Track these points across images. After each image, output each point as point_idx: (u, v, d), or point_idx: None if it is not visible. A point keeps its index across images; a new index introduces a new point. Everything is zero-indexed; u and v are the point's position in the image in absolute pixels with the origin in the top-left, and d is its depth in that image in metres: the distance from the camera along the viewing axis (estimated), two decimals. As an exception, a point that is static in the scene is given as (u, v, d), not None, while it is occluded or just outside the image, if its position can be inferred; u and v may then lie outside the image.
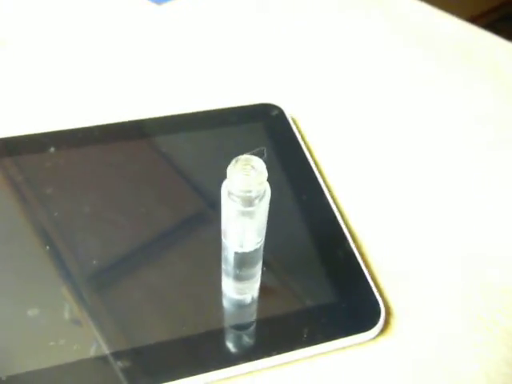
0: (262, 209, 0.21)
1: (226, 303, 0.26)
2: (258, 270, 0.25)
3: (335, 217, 0.30)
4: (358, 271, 0.28)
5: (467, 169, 0.35)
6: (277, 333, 0.25)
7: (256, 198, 0.20)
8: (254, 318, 0.26)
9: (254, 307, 0.26)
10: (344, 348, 0.26)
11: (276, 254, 0.28)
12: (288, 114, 0.36)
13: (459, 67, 0.42)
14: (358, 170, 0.34)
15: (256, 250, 0.23)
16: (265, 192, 0.20)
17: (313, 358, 0.25)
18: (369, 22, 0.47)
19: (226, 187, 0.20)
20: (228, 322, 0.26)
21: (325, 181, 0.32)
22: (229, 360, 0.24)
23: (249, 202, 0.20)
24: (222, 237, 0.23)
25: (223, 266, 0.25)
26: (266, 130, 0.35)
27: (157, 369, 0.24)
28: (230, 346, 0.25)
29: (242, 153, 0.33)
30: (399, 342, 0.26)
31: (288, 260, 0.28)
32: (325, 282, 0.27)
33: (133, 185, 0.31)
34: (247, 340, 0.25)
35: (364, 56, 0.43)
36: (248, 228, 0.21)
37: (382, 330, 0.27)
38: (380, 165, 0.34)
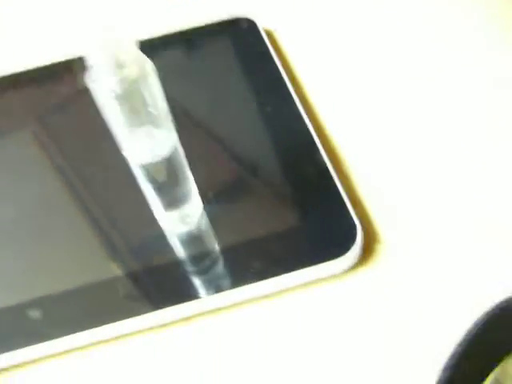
0: (145, 87, 0.16)
1: (167, 238, 0.22)
2: (185, 187, 0.20)
3: (307, 129, 0.24)
4: (330, 187, 0.22)
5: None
6: (229, 265, 0.21)
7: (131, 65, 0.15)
8: (202, 250, 0.21)
9: (203, 238, 0.22)
10: (313, 282, 0.21)
11: (235, 170, 0.23)
12: (261, 27, 0.30)
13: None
14: (338, 84, 0.28)
15: (166, 158, 0.18)
16: (138, 61, 0.15)
17: (274, 295, 0.21)
18: None
19: (92, 75, 0.15)
20: (175, 257, 0.21)
21: (299, 94, 0.27)
22: (178, 299, 0.20)
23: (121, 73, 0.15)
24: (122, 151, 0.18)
25: (146, 195, 0.20)
26: (237, 44, 0.30)
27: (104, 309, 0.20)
28: (181, 283, 0.20)
29: (212, 73, 0.28)
30: (383, 273, 0.21)
31: (248, 176, 0.23)
32: (289, 202, 0.22)
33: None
34: (198, 276, 0.20)
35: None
36: (136, 123, 0.16)
37: (364, 259, 0.21)
38: (362, 75, 0.28)
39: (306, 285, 0.21)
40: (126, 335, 0.20)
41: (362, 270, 0.21)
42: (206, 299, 0.20)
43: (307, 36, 0.31)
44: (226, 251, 0.21)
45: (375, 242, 0.22)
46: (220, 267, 0.21)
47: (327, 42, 0.30)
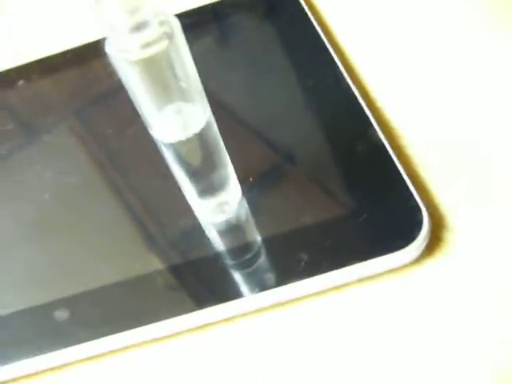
0: (173, 54, 0.13)
1: (204, 230, 0.19)
2: (222, 171, 0.17)
3: (358, 102, 0.21)
4: (388, 167, 0.19)
5: None
6: (275, 261, 0.18)
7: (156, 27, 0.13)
8: (244, 242, 0.19)
9: (243, 228, 0.19)
10: (371, 277, 0.18)
11: (278, 151, 0.20)
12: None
13: None
14: (386, 54, 0.25)
15: (209, 128, 0.15)
16: (166, 24, 0.13)
17: (326, 291, 0.18)
18: None
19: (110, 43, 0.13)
20: (214, 251, 0.19)
21: (345, 65, 0.24)
22: (220, 298, 0.17)
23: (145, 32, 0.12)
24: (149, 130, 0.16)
25: (180, 182, 0.18)
26: (274, 14, 0.27)
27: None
28: (222, 280, 0.18)
29: (246, 46, 0.26)
30: (453, 265, 0.18)
31: (292, 159, 0.20)
32: (340, 186, 0.19)
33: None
34: (241, 271, 0.18)
35: None
36: (163, 97, 0.14)
37: (430, 249, 0.18)
38: (411, 40, 0.25)
39: (362, 280, 0.18)
40: (163, 337, 0.18)
41: (429, 262, 0.18)
42: (250, 298, 0.17)
43: (349, 4, 0.28)
44: (271, 243, 0.18)
45: (443, 230, 0.19)
46: (265, 261, 0.18)
47: (371, 9, 0.27)
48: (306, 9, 0.26)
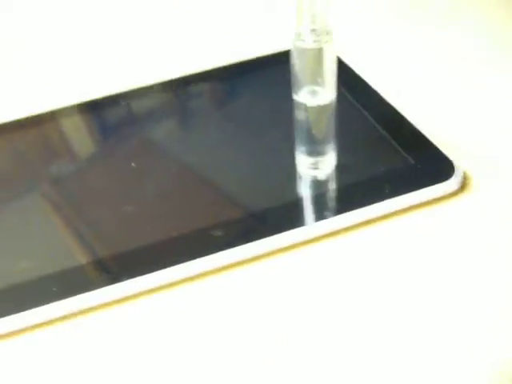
0: (331, 47, 0.22)
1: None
2: (328, 140, 0.26)
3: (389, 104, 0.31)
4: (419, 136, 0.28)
5: None
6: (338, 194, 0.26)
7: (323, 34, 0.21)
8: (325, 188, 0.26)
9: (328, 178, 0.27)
10: (413, 207, 0.25)
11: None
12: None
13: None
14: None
15: (330, 105, 0.24)
16: (330, 32, 0.22)
17: (375, 220, 0.25)
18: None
19: (293, 40, 0.22)
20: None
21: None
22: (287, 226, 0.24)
23: (316, 35, 0.22)
24: (294, 95, 0.24)
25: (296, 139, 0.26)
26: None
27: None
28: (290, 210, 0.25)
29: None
30: (483, 200, 0.26)
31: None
32: (386, 149, 0.28)
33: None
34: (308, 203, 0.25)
35: None
36: (319, 72, 0.23)
37: (462, 187, 0.26)
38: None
39: (406, 210, 0.25)
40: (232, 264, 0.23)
41: (459, 203, 0.26)
42: (315, 225, 0.24)
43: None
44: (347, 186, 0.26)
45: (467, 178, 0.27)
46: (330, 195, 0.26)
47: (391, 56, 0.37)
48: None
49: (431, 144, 0.28)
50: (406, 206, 0.25)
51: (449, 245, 0.24)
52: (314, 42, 0.22)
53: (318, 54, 0.22)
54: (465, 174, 0.27)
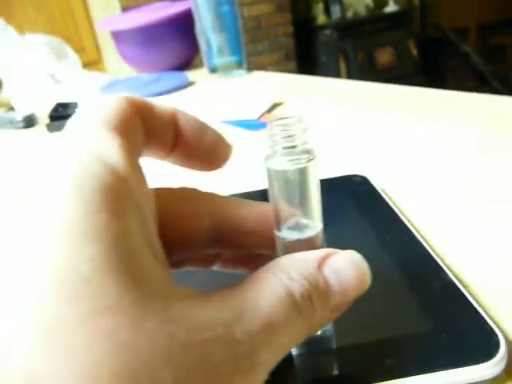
0: (313, 172, 0.18)
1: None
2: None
3: (429, 254, 0.25)
4: (461, 300, 0.22)
5: None
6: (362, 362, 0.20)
7: (302, 153, 0.18)
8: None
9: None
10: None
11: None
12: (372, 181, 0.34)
13: None
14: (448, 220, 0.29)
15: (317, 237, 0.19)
16: (311, 152, 0.18)
17: None
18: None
19: (266, 162, 0.18)
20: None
21: (414, 227, 0.28)
22: None
23: (294, 154, 0.18)
24: (275, 231, 0.19)
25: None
26: (353, 193, 0.33)
27: None
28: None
29: (336, 215, 0.30)
30: None
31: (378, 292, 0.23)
32: (422, 313, 0.22)
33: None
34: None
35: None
36: (301, 199, 0.18)
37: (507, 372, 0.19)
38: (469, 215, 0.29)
39: None
40: None
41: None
42: None
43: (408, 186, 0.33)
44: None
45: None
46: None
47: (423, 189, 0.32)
48: (380, 192, 0.32)
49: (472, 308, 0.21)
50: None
51: None
52: (291, 161, 0.18)
53: (300, 175, 0.18)
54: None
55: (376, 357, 0.20)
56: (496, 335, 0.20)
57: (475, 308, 0.21)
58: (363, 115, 0.52)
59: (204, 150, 0.19)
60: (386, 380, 0.19)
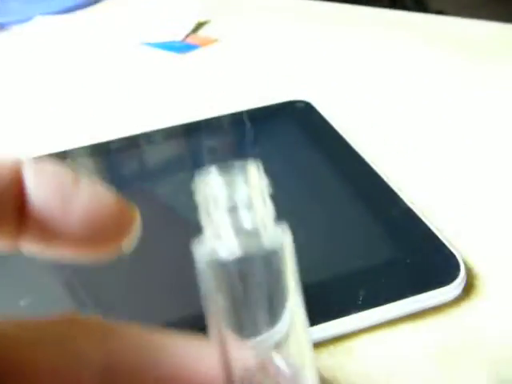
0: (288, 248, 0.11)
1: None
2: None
3: (385, 183, 0.25)
4: (420, 226, 0.23)
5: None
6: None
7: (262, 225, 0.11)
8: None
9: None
10: (418, 314, 0.20)
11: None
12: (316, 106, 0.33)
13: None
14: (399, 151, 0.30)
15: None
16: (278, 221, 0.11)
17: (377, 328, 0.20)
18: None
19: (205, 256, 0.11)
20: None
21: (366, 157, 0.28)
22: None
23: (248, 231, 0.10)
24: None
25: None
26: (298, 123, 0.32)
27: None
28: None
29: (278, 150, 0.29)
30: (485, 311, 0.20)
31: (335, 226, 0.23)
32: (383, 241, 0.22)
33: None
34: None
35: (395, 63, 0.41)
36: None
37: (466, 292, 0.21)
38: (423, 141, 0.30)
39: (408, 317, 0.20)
40: None
41: (464, 306, 0.20)
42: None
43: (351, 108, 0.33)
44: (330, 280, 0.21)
45: (474, 279, 0.21)
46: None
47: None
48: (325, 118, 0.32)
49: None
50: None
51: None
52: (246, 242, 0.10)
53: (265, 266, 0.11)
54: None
55: (347, 289, 0.20)
56: (455, 258, 0.21)
57: (434, 233, 0.22)
58: (302, 35, 0.49)
59: (77, 222, 0.12)
60: (359, 312, 0.19)
